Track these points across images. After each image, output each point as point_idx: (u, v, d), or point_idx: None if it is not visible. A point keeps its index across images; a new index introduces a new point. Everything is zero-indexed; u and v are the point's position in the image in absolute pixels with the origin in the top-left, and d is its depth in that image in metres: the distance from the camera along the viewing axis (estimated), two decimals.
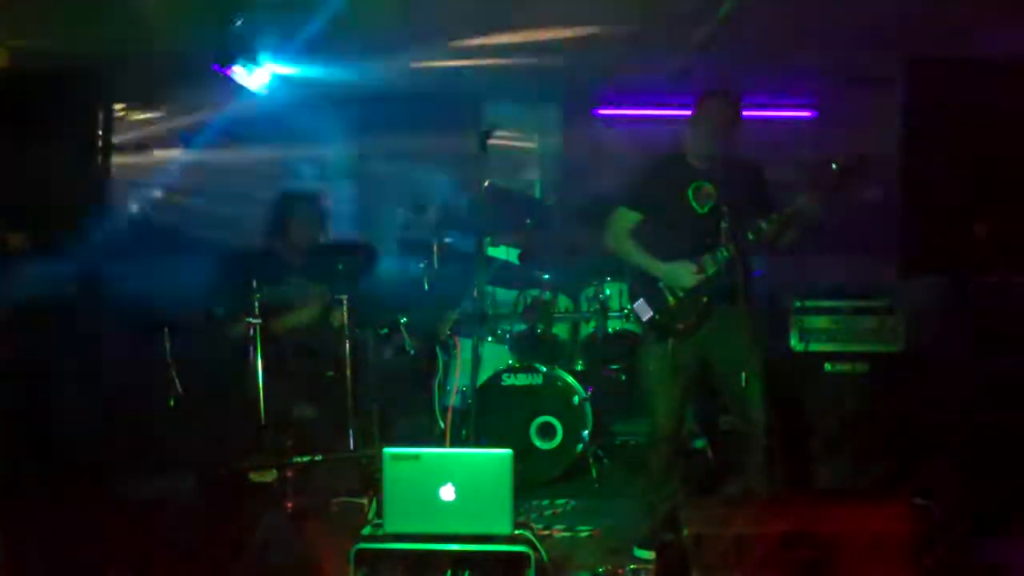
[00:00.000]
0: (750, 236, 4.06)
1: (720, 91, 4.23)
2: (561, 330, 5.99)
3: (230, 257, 5.13)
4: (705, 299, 4.17)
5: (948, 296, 5.13)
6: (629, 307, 4.39)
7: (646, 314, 4.26)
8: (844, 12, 5.06)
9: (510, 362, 5.50)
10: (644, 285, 4.29)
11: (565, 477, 5.30)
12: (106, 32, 5.24)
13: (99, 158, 5.73)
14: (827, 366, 4.93)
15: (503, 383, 5.36)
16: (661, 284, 4.23)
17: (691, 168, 4.24)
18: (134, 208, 6.85)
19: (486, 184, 4.50)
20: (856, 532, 3.22)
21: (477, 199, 5.39)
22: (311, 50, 5.68)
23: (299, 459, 4.51)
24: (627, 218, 4.33)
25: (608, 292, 5.86)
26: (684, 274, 4.15)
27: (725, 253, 4.09)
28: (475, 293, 4.74)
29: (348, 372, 4.68)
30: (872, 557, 3.18)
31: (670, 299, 4.22)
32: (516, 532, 3.34)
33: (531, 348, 5.64)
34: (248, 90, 6.08)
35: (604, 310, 5.84)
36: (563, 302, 6.02)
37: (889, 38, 5.33)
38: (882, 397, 4.84)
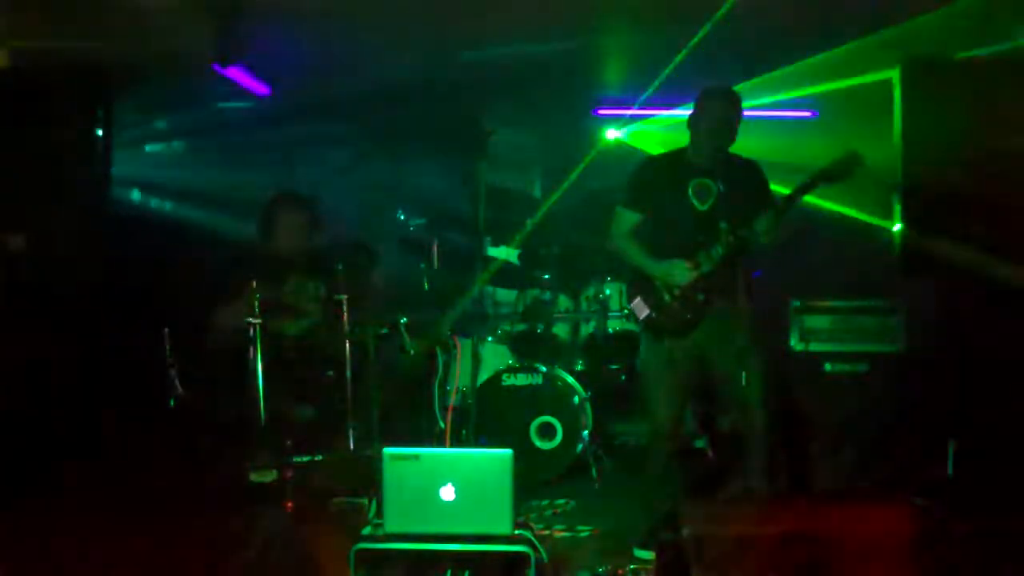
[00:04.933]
0: (747, 233, 4.05)
1: (721, 89, 4.23)
2: (561, 330, 5.98)
3: (230, 256, 5.12)
4: (701, 297, 4.16)
5: (947, 296, 5.13)
6: (628, 307, 4.39)
7: (643, 312, 4.25)
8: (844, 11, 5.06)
9: (510, 362, 5.49)
10: (642, 284, 4.28)
11: (565, 477, 5.29)
12: (106, 32, 5.24)
13: (99, 158, 5.74)
14: (827, 366, 4.93)
15: (503, 383, 5.35)
16: (658, 283, 4.22)
17: (691, 166, 4.23)
18: (134, 208, 6.86)
19: (485, 184, 4.50)
20: (856, 532, 3.22)
21: (476, 199, 5.38)
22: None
23: (299, 459, 4.50)
24: (627, 218, 4.33)
25: (608, 292, 5.86)
26: (679, 271, 4.14)
27: (720, 250, 4.08)
28: (475, 293, 4.74)
29: (348, 372, 4.68)
30: (872, 557, 3.17)
31: (666, 297, 4.20)
32: (516, 532, 3.33)
33: (531, 348, 5.64)
34: (248, 90, 6.08)
35: (604, 310, 5.84)
36: (563, 302, 6.02)
37: (889, 37, 5.33)
38: (882, 397, 4.84)
